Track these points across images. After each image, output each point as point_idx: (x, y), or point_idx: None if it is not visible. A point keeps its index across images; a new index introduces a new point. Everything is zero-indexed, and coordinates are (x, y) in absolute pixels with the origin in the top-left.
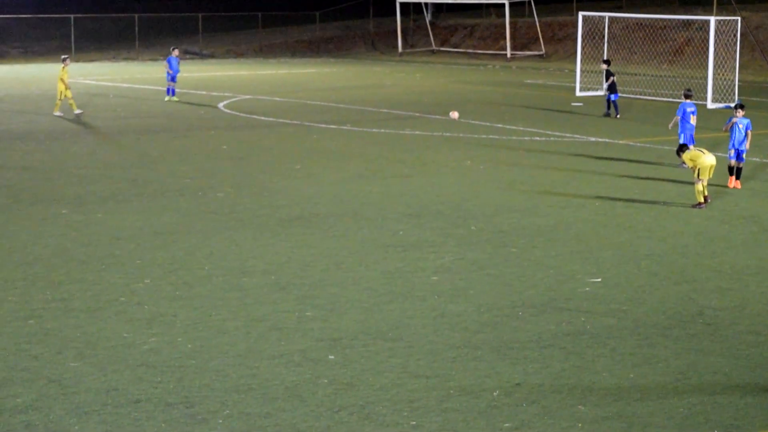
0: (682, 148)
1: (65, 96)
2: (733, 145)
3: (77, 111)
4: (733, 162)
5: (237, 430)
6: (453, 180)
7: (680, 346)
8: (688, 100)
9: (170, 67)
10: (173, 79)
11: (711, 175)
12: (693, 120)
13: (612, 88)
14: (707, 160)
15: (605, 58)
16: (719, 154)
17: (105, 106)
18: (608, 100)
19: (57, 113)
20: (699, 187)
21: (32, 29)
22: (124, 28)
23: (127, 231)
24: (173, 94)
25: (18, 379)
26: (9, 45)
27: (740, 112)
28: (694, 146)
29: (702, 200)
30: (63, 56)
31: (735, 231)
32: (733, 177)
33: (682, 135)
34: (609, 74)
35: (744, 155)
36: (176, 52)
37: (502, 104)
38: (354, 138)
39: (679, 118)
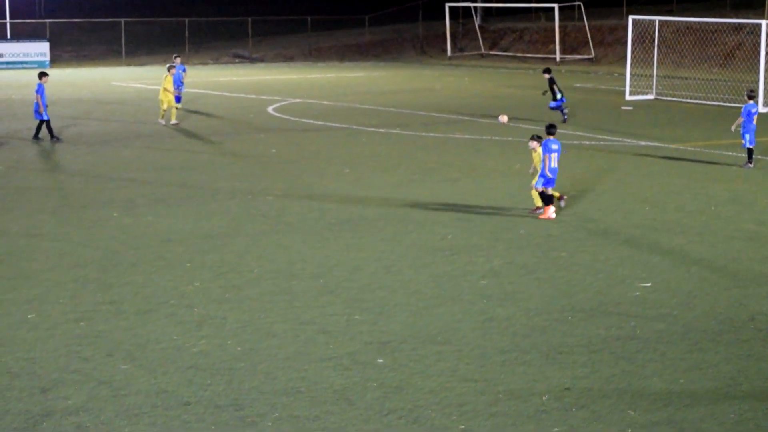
0: (750, 152)
1: (167, 106)
2: None
3: (173, 121)
4: None
5: None
6: (502, 184)
7: (731, 352)
8: (751, 101)
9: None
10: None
11: None
12: (755, 121)
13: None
14: None
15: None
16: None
17: (155, 110)
18: (558, 108)
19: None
20: None
21: (84, 33)
22: (175, 32)
23: (176, 234)
24: (177, 101)
25: (69, 380)
26: (61, 49)
27: None
28: None
29: None
30: (170, 63)
31: None
32: None
33: (747, 135)
34: (552, 81)
35: None
36: (178, 60)
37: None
38: (403, 142)
39: (743, 119)
